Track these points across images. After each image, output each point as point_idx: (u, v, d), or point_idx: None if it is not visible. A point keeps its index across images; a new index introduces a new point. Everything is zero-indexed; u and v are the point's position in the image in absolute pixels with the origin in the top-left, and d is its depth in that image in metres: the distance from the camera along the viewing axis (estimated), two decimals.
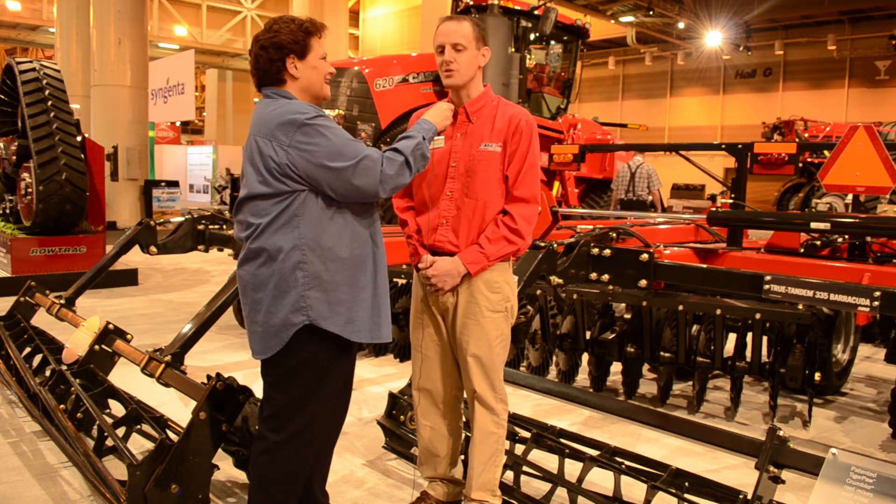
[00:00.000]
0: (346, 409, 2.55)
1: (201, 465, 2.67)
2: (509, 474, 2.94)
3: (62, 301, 4.40)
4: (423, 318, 2.75)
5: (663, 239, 5.30)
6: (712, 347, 4.27)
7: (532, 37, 9.67)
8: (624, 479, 2.80)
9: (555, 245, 3.79)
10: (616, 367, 4.68)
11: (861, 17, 25.61)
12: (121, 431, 3.21)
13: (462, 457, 3.02)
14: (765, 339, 4.21)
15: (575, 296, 4.56)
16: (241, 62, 29.84)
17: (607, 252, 3.90)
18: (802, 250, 4.48)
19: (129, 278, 8.56)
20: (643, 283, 3.83)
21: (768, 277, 3.36)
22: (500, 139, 2.60)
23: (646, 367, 4.78)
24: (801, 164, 6.05)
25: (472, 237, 2.60)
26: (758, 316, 4.07)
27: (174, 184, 16.63)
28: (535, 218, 2.66)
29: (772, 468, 2.42)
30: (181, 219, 5.24)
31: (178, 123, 29.80)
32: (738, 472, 3.35)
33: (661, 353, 4.37)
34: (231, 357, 5.35)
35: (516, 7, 9.14)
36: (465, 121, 2.66)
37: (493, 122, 2.63)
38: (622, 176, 10.62)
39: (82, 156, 8.13)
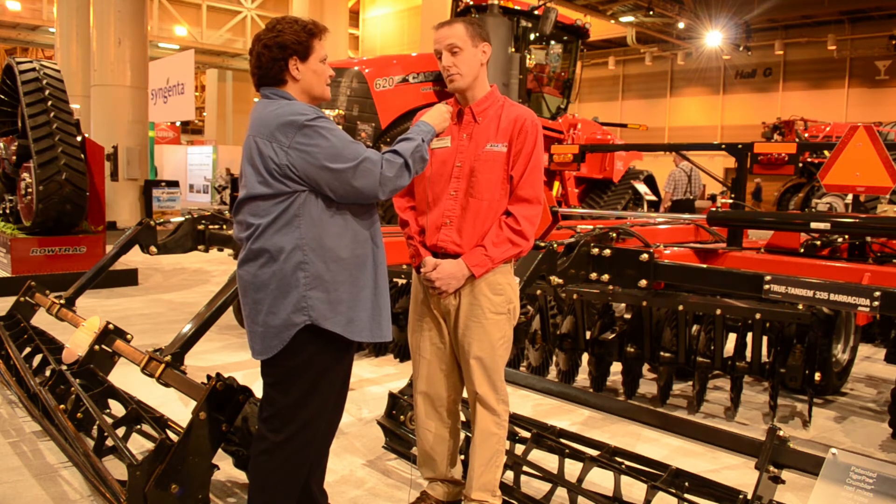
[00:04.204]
0: (343, 409, 2.55)
1: (201, 465, 2.67)
2: (509, 474, 2.94)
3: (62, 301, 4.40)
4: (425, 320, 2.74)
5: (663, 239, 5.30)
6: (712, 347, 4.27)
7: (532, 37, 9.67)
8: (624, 479, 2.80)
9: (555, 245, 3.79)
10: (616, 367, 4.68)
11: (861, 17, 25.65)
12: (121, 431, 3.21)
13: (462, 457, 3.02)
14: (765, 339, 4.21)
15: (575, 296, 4.56)
16: (241, 62, 29.84)
17: (607, 252, 3.90)
18: (802, 250, 4.48)
19: (129, 278, 8.56)
20: (643, 283, 3.83)
21: (768, 277, 3.36)
22: (505, 139, 2.60)
23: (646, 367, 4.78)
24: (801, 164, 6.05)
25: (476, 237, 2.60)
26: (758, 316, 4.07)
27: (174, 184, 16.63)
28: (539, 219, 2.65)
29: (772, 468, 2.42)
30: (181, 219, 5.24)
31: (178, 123, 29.81)
32: (738, 472, 3.35)
33: (661, 353, 4.37)
34: (231, 357, 5.35)
35: (516, 7, 9.14)
36: (471, 121, 2.66)
37: (499, 123, 2.62)
38: (678, 178, 11.11)
39: (82, 156, 8.13)
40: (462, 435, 2.96)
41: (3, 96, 9.01)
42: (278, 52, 2.29)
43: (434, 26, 2.67)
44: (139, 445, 3.32)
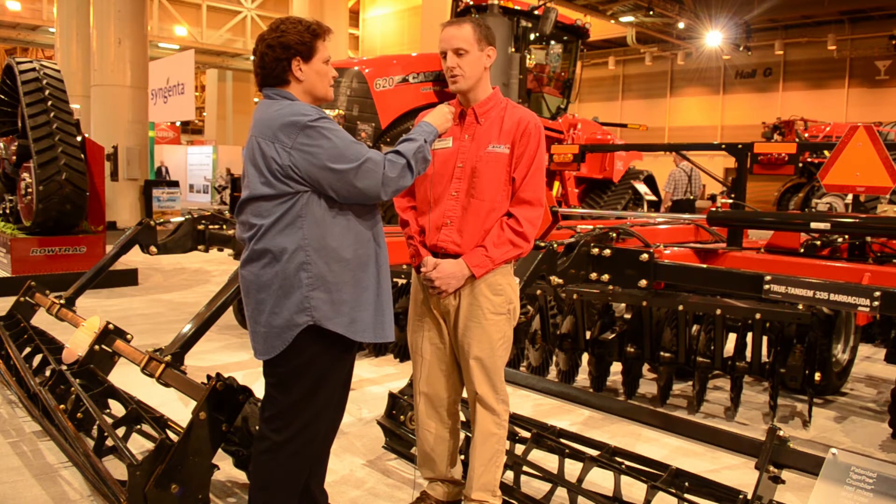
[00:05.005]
0: (345, 409, 2.55)
1: (201, 465, 2.67)
2: (509, 474, 2.95)
3: (62, 301, 4.39)
4: (424, 320, 2.74)
5: (663, 239, 5.30)
6: (712, 347, 4.27)
7: (532, 37, 9.67)
8: (624, 479, 2.80)
9: (555, 245, 3.79)
10: (616, 367, 4.68)
11: (861, 17, 25.64)
12: (121, 431, 3.21)
13: (462, 457, 3.02)
14: (765, 339, 4.21)
15: (575, 296, 4.56)
16: (241, 62, 29.84)
17: (607, 252, 3.90)
18: (802, 250, 4.48)
19: (129, 278, 8.56)
20: (643, 283, 3.83)
21: (768, 277, 3.36)
22: (507, 141, 2.60)
23: (646, 367, 4.78)
24: (801, 164, 6.04)
25: (476, 238, 2.60)
26: (758, 316, 4.07)
27: (174, 184, 16.64)
28: (540, 220, 2.66)
29: (772, 468, 2.42)
30: (181, 219, 5.24)
31: (178, 123, 29.82)
32: (738, 472, 3.35)
33: (661, 353, 4.37)
34: (231, 357, 5.35)
35: (516, 7, 9.14)
36: (473, 122, 2.66)
37: (502, 124, 2.63)
38: (678, 178, 11.10)
39: (82, 156, 8.13)
40: (462, 435, 2.96)
41: (3, 96, 9.01)
42: (281, 52, 2.29)
43: (442, 24, 2.67)
44: (139, 445, 3.32)
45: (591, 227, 4.42)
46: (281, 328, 2.25)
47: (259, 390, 2.53)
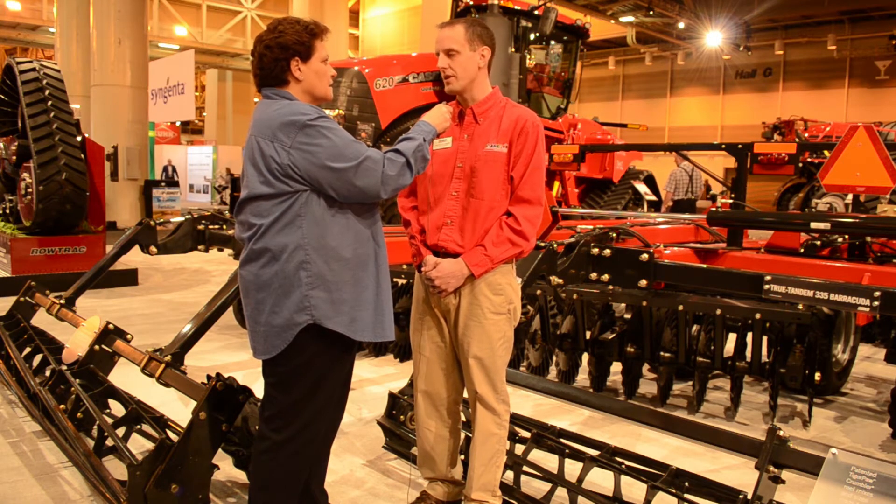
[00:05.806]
0: (345, 409, 2.56)
1: (201, 465, 2.67)
2: (509, 474, 2.95)
3: (62, 301, 4.39)
4: (425, 319, 2.75)
5: (663, 239, 5.30)
6: (712, 347, 4.27)
7: (532, 37, 9.67)
8: (624, 479, 2.80)
9: (555, 245, 3.79)
10: (616, 367, 4.68)
11: (861, 17, 25.63)
12: (121, 431, 3.21)
13: (462, 457, 3.02)
14: (765, 339, 4.21)
15: (575, 296, 4.56)
16: (241, 62, 29.84)
17: (607, 252, 3.90)
18: (802, 250, 4.48)
19: (129, 278, 8.56)
20: (643, 283, 3.83)
21: (768, 277, 3.36)
22: (505, 140, 2.60)
23: (646, 367, 4.78)
24: (801, 164, 6.04)
25: (476, 237, 2.60)
26: (758, 316, 4.07)
27: (174, 184, 16.65)
28: (539, 219, 2.65)
29: (772, 468, 2.42)
30: (181, 219, 5.24)
31: (177, 123, 29.82)
32: (738, 472, 3.35)
33: (661, 353, 4.37)
34: (231, 357, 5.35)
35: (516, 7, 9.15)
36: (472, 122, 2.66)
37: (500, 124, 2.63)
38: (679, 178, 11.16)
39: (82, 156, 8.14)
40: (462, 435, 2.96)
41: (3, 96, 9.02)
42: (280, 52, 2.29)
43: (437, 25, 2.67)
44: (139, 445, 3.32)
45: (591, 227, 4.42)
46: (281, 327, 2.25)
47: (259, 390, 2.53)
